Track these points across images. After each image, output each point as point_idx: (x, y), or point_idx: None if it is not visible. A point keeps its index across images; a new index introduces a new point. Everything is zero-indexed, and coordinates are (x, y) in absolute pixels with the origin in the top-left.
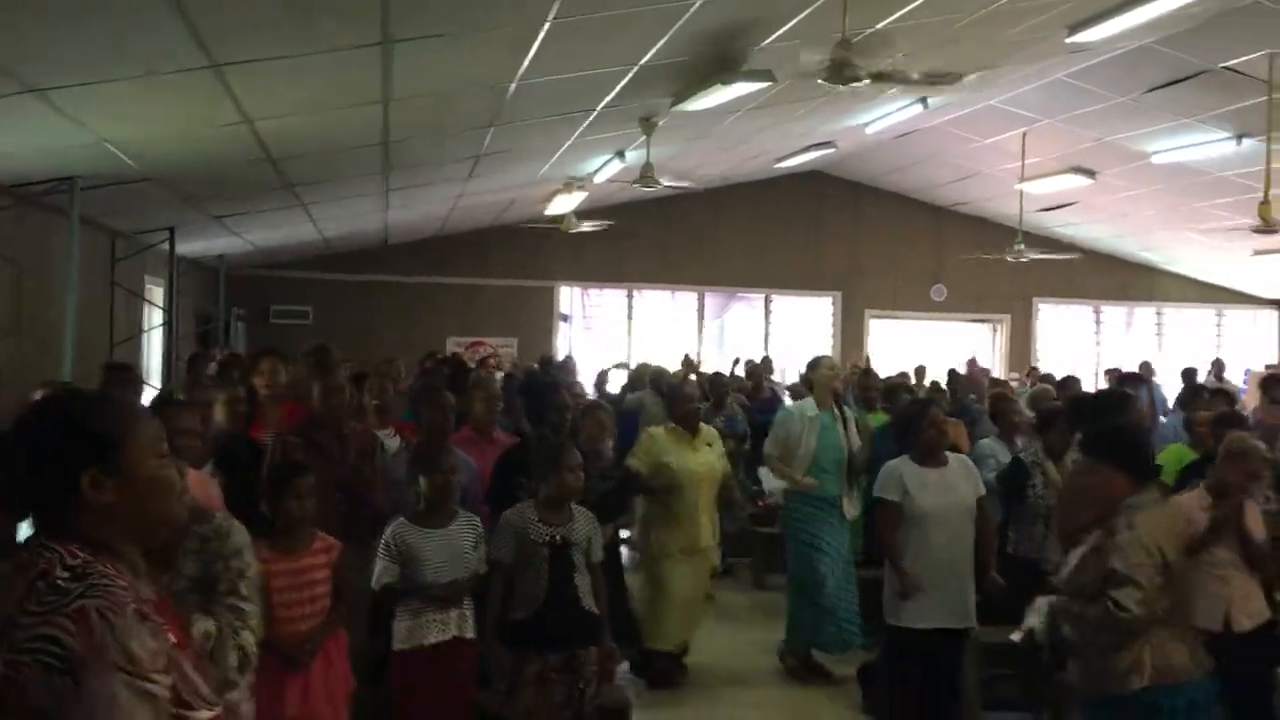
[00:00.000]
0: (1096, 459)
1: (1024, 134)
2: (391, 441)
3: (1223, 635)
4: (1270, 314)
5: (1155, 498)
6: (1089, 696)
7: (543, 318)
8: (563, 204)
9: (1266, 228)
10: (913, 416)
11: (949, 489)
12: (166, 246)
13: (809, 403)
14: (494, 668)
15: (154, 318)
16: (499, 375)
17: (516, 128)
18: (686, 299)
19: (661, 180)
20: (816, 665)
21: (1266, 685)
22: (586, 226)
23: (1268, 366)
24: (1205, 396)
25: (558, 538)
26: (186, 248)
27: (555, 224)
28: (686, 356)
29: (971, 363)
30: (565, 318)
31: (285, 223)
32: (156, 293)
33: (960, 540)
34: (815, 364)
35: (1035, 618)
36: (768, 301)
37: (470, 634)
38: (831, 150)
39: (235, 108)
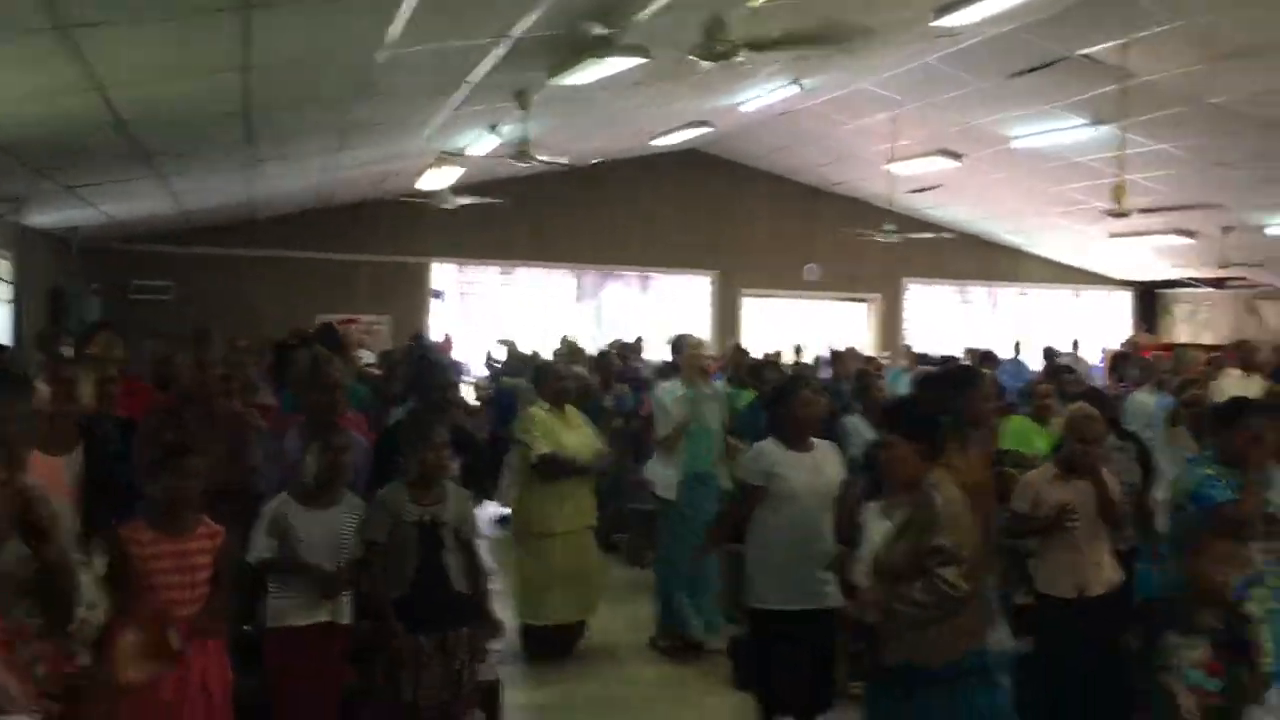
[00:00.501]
0: (890, 433)
1: (894, 117)
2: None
3: (1077, 601)
4: (1124, 294)
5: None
6: (917, 671)
7: (416, 295)
8: (437, 179)
9: (1119, 211)
10: (782, 395)
11: (817, 472)
12: (13, 218)
13: (675, 384)
14: (376, 648)
15: None
16: (365, 354)
17: (387, 99)
18: (563, 277)
19: (538, 156)
20: (689, 640)
21: (1117, 648)
22: (462, 202)
23: (1121, 344)
24: (1066, 375)
25: (427, 517)
26: (38, 219)
27: (430, 199)
28: (565, 337)
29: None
30: (438, 295)
31: (143, 194)
32: (2, 266)
33: (824, 523)
34: (679, 344)
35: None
36: (645, 280)
37: (345, 619)
38: (709, 129)
39: (85, 73)
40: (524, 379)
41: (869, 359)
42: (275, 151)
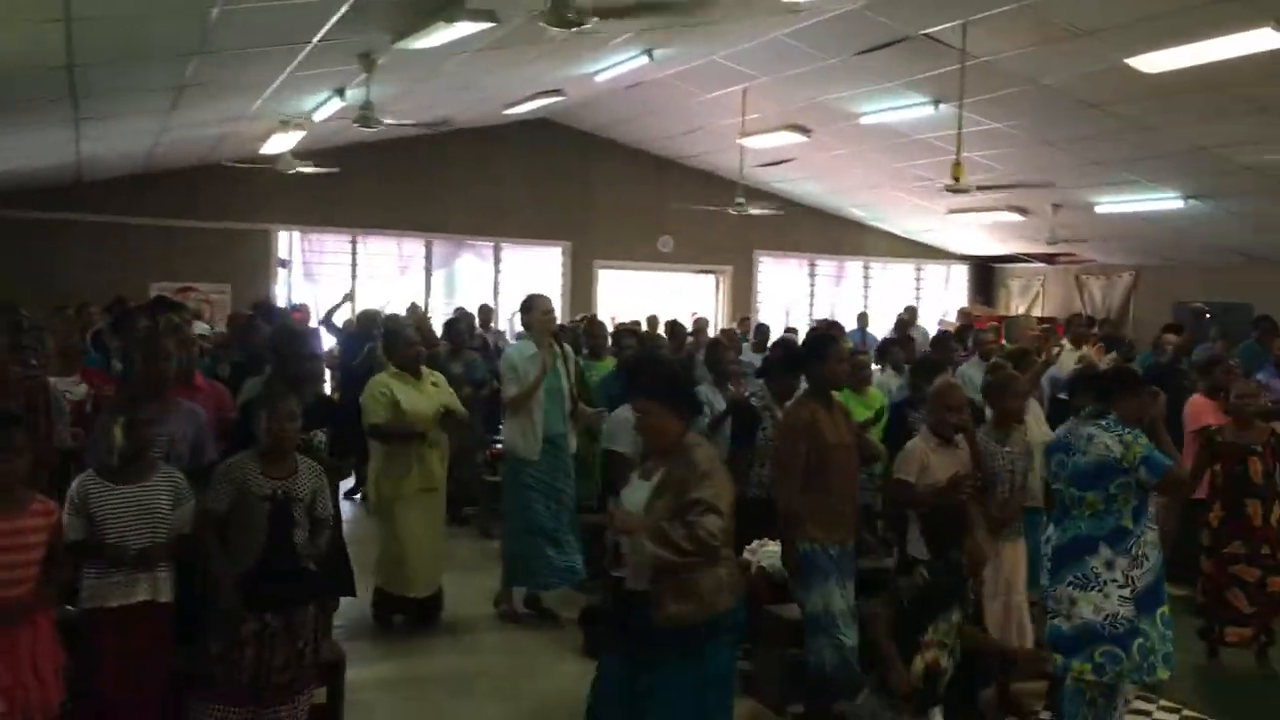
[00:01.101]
0: (646, 399)
1: (744, 90)
2: (79, 389)
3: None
4: (961, 269)
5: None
6: (680, 631)
7: (259, 263)
8: (280, 143)
9: (958, 188)
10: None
11: None
12: None
13: (526, 343)
14: (215, 626)
15: None
16: (201, 326)
17: (223, 58)
18: (413, 246)
19: (384, 121)
20: (545, 610)
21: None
22: (306, 168)
23: (957, 314)
24: (914, 346)
25: (279, 491)
26: None
27: (272, 164)
28: (414, 304)
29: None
30: (284, 263)
31: None
32: None
33: None
34: (529, 305)
35: (749, 556)
36: (497, 250)
37: (165, 597)
38: (561, 99)
39: None
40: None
41: (727, 330)
42: (102, 110)
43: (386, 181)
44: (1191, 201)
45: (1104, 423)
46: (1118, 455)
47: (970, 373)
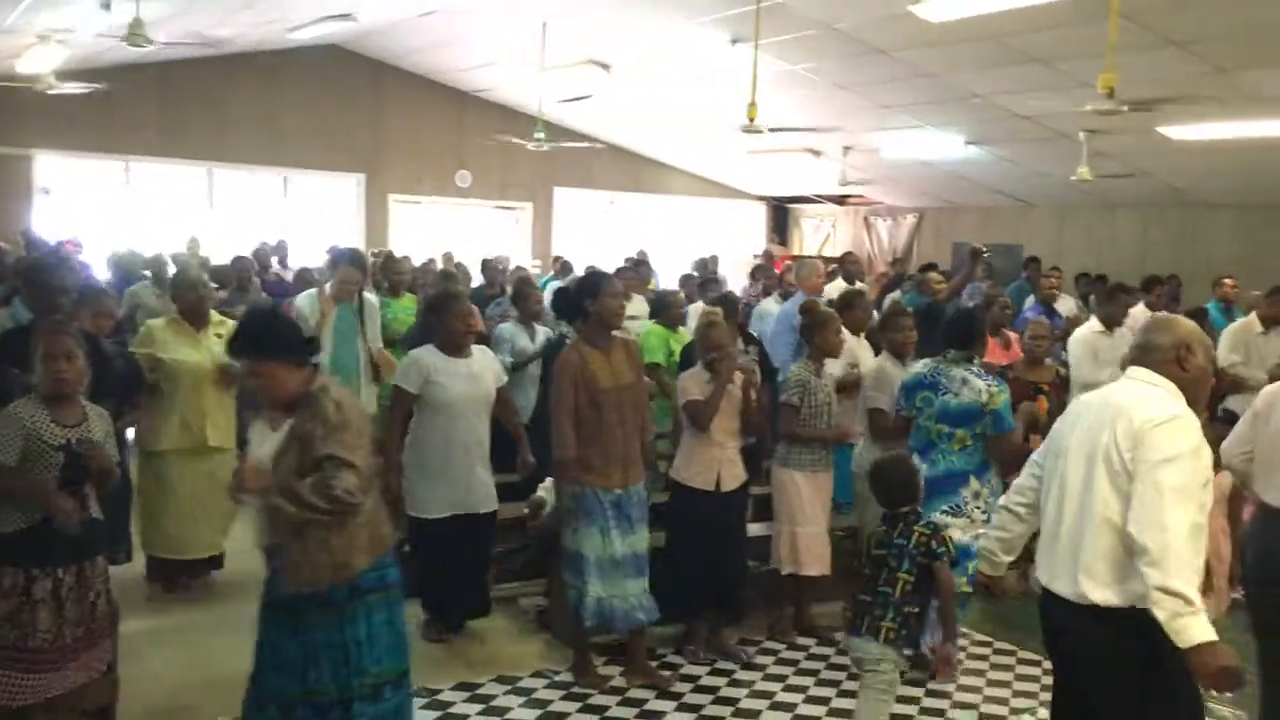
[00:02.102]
0: (253, 359)
1: (544, 24)
2: None
3: (714, 494)
4: (760, 208)
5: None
6: (317, 593)
7: (16, 191)
8: (39, 60)
9: (752, 128)
10: (440, 305)
11: (474, 380)
12: None
13: (316, 294)
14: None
15: None
16: None
17: None
18: (193, 174)
19: (155, 40)
20: None
21: (741, 534)
22: (70, 88)
23: (755, 256)
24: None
25: (74, 440)
26: None
27: (30, 84)
28: (192, 239)
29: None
30: (46, 191)
31: None
32: None
33: (480, 430)
34: (339, 257)
35: (545, 492)
36: (286, 181)
37: None
38: (351, 23)
39: None
40: (141, 286)
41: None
42: None
43: (162, 105)
44: (971, 147)
45: (973, 369)
46: (983, 402)
47: (767, 308)
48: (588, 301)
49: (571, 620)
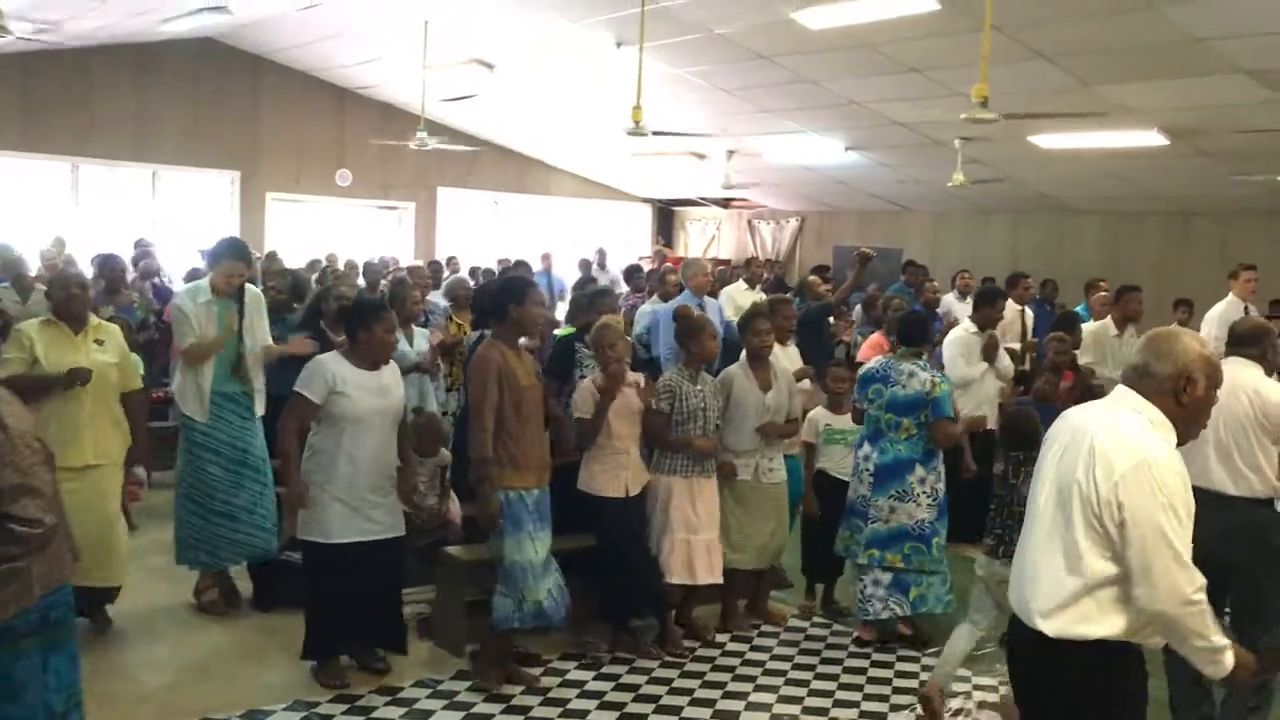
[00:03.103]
0: None
1: (426, 22)
2: None
3: (624, 500)
4: (645, 209)
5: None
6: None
7: None
8: None
9: (637, 131)
10: (366, 317)
11: (385, 392)
12: None
13: (199, 287)
14: None
15: None
16: None
17: None
18: (57, 169)
19: (12, 31)
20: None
21: (645, 539)
22: None
23: (641, 257)
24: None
25: None
26: None
27: None
28: (58, 238)
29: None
30: None
31: None
32: None
33: (389, 447)
34: (220, 252)
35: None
36: (157, 178)
37: None
38: (227, 16)
39: None
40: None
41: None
42: None
43: (24, 97)
44: (850, 152)
45: (920, 363)
46: (927, 391)
47: (649, 309)
48: (511, 306)
49: (501, 629)
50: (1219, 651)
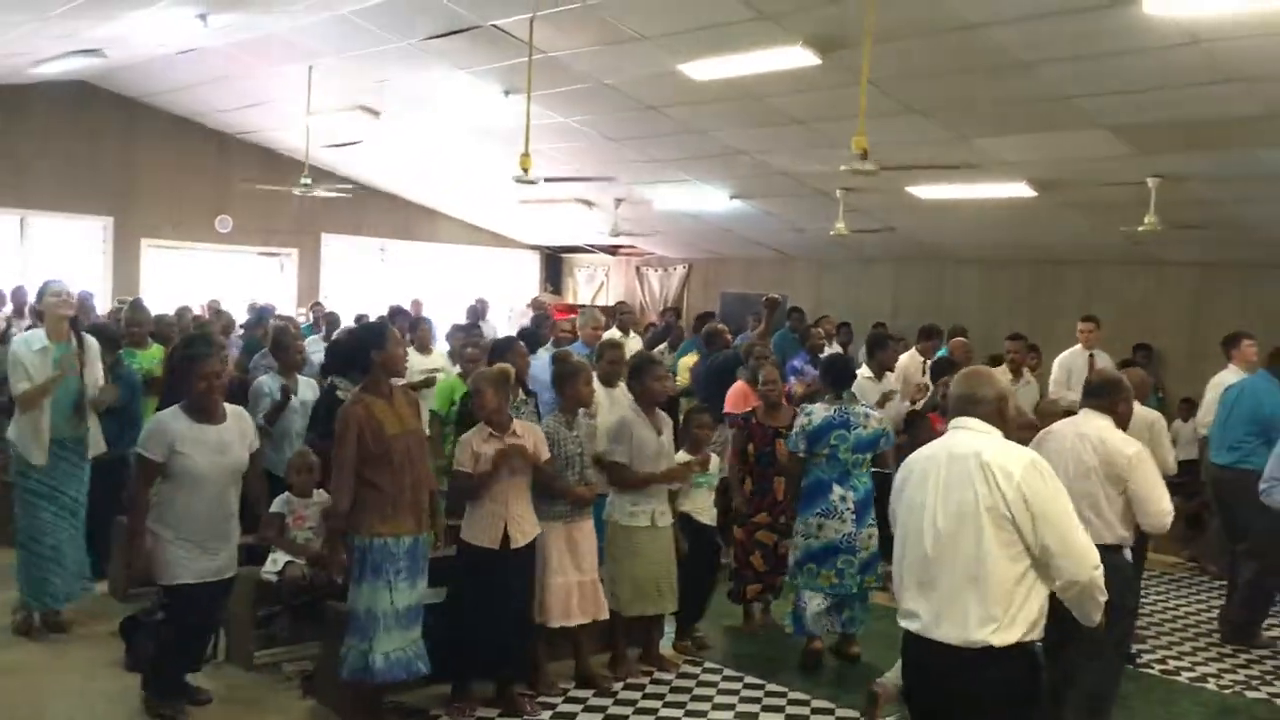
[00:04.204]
0: None
1: (310, 67)
2: None
3: (499, 551)
4: (533, 257)
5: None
6: None
7: None
8: None
9: (525, 179)
10: (182, 365)
11: (223, 449)
12: None
13: (38, 334)
14: None
15: None
16: None
17: None
18: None
19: None
20: (57, 623)
21: (531, 587)
22: None
23: (526, 306)
24: (474, 332)
25: None
26: None
27: None
28: None
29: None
30: None
31: None
32: None
33: (229, 497)
34: (43, 291)
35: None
36: (23, 223)
37: None
38: (101, 59)
39: None
40: None
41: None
42: None
43: None
44: (736, 201)
45: (865, 406)
46: (883, 428)
47: (538, 358)
48: (373, 351)
49: (354, 681)
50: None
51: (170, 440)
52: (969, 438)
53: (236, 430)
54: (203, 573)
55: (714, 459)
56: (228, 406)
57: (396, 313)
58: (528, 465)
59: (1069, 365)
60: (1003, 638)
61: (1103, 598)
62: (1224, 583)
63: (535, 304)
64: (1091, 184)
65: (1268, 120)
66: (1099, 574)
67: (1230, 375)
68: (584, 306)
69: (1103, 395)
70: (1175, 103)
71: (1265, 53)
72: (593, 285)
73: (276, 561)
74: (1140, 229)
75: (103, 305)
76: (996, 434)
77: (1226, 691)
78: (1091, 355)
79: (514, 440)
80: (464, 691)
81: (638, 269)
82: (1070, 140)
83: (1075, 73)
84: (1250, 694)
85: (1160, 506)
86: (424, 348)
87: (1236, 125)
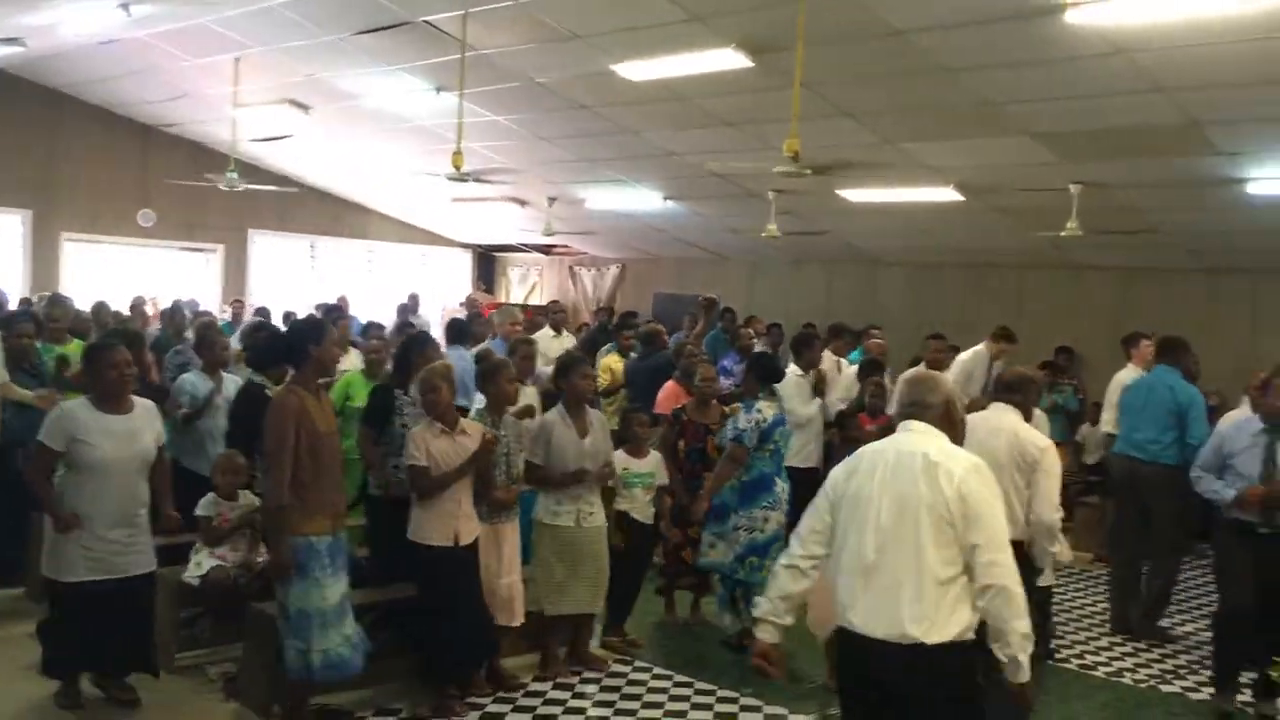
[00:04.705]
0: None
1: (237, 59)
2: None
3: (454, 550)
4: (466, 255)
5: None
6: None
7: None
8: None
9: (458, 177)
10: (93, 352)
11: (130, 438)
12: None
13: None
14: None
15: None
16: None
17: None
18: None
19: None
20: None
21: (475, 589)
22: None
23: (460, 304)
24: (409, 329)
25: None
26: None
27: None
28: None
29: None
30: None
31: None
32: None
33: (137, 491)
34: None
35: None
36: None
37: None
38: (20, 49)
39: None
40: None
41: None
42: None
43: None
44: (669, 202)
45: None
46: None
47: (459, 354)
48: (311, 346)
49: (293, 680)
50: (1029, 640)
51: (71, 430)
52: (917, 439)
53: (145, 421)
54: (98, 568)
55: (653, 456)
56: (136, 399)
57: (332, 310)
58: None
59: (970, 369)
60: (935, 636)
61: (1024, 626)
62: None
63: (469, 303)
64: (1017, 190)
65: (1186, 130)
66: (1018, 585)
67: (1128, 374)
68: (501, 304)
69: (1017, 391)
70: (1097, 111)
71: (1184, 63)
72: (526, 284)
73: (201, 565)
74: (1063, 234)
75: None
76: (943, 437)
77: (1142, 686)
78: (993, 362)
79: (464, 438)
80: (444, 694)
81: (571, 269)
82: (996, 146)
83: (1001, 80)
84: (1165, 688)
85: (1055, 501)
86: (341, 345)
87: (1156, 134)
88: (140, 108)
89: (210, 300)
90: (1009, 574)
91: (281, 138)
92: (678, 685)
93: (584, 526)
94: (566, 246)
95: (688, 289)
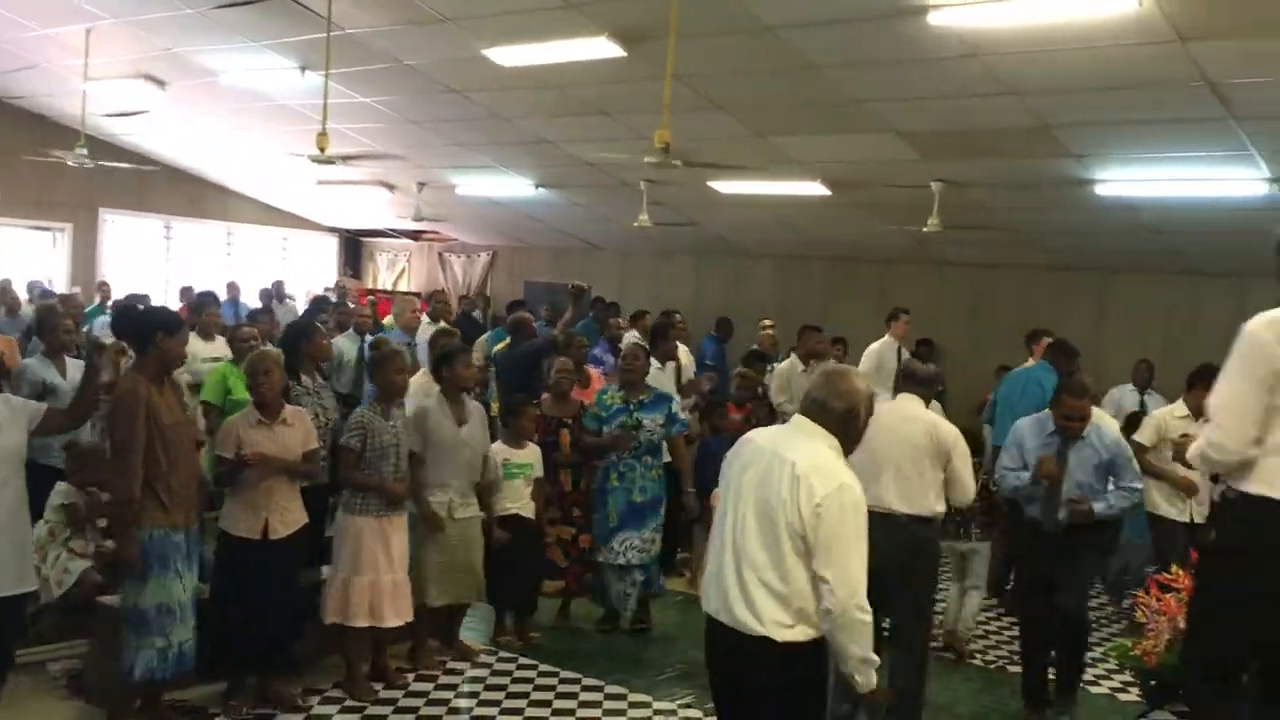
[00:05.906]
0: None
1: (88, 30)
2: None
3: (260, 542)
4: (331, 239)
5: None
6: None
7: None
8: None
9: (323, 159)
10: None
11: None
12: None
13: None
14: None
15: None
16: None
17: None
18: None
19: None
20: None
21: (294, 579)
22: None
23: (326, 289)
24: (263, 316)
25: None
26: None
27: None
28: None
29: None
30: None
31: None
32: None
33: (10, 492)
34: None
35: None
36: None
37: None
38: None
39: None
40: None
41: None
42: None
43: None
44: (540, 190)
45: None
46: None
47: (345, 344)
48: (161, 335)
49: (125, 678)
50: (870, 664)
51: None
52: (797, 441)
53: (6, 411)
54: None
55: (532, 448)
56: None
57: (204, 295)
58: (291, 462)
59: (880, 356)
60: (784, 634)
61: (861, 652)
62: None
63: (339, 288)
64: (880, 185)
65: (1038, 132)
66: (862, 619)
67: (877, 345)
68: (398, 293)
69: (929, 384)
70: (955, 111)
71: (1037, 68)
72: (394, 270)
73: (71, 571)
74: (925, 230)
75: None
76: (825, 442)
77: (991, 667)
78: (900, 348)
79: (284, 428)
80: (238, 688)
81: (441, 255)
82: (861, 142)
83: (866, 78)
84: (1012, 669)
85: (970, 482)
86: (207, 334)
87: (1011, 135)
88: None
89: (58, 282)
90: (848, 600)
91: (136, 113)
92: (542, 675)
93: (455, 518)
94: (436, 232)
95: (561, 278)
